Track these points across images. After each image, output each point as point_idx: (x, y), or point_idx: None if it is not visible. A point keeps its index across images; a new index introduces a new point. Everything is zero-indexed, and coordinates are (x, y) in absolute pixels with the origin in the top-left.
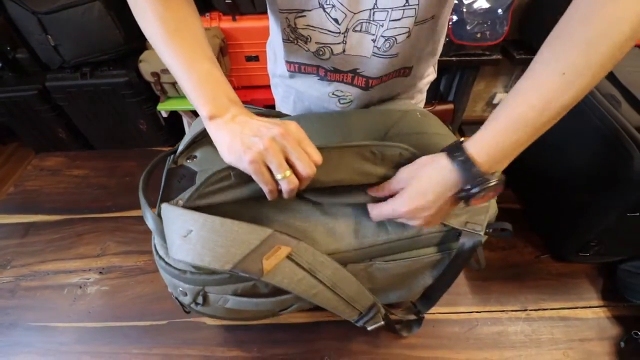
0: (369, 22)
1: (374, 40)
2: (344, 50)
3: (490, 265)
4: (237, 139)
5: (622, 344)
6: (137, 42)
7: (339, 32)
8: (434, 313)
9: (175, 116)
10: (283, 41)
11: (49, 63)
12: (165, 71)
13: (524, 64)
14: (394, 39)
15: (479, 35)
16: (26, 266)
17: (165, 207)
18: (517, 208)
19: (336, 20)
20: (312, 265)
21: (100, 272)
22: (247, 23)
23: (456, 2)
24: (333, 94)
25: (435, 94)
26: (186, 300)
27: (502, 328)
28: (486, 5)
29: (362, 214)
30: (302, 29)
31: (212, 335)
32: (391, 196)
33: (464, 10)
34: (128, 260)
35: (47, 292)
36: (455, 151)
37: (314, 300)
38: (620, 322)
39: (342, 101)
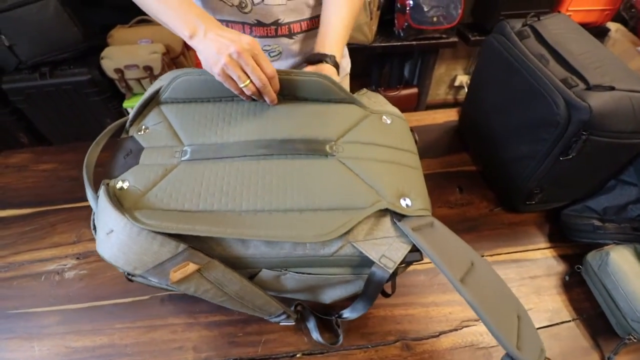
0: None
1: None
2: (262, 0)
3: (450, 220)
4: (209, 56)
5: (567, 278)
6: (98, 38)
7: None
8: None
9: None
10: None
11: (4, 65)
12: (129, 67)
13: (479, 45)
14: None
15: (435, 19)
16: None
17: (102, 193)
18: (474, 169)
19: None
20: (219, 280)
21: (77, 258)
22: None
23: None
24: (262, 49)
25: (400, 80)
26: (121, 271)
27: None
28: None
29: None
30: None
31: (195, 303)
32: None
33: None
34: None
35: (24, 281)
36: (332, 60)
37: (222, 304)
38: (565, 260)
39: (271, 54)
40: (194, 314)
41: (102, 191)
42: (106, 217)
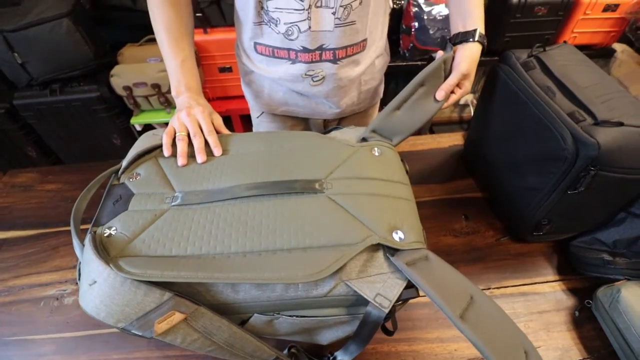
0: None
1: (334, 13)
2: (309, 27)
3: (456, 250)
4: (175, 114)
5: (577, 313)
6: (108, 56)
7: (303, 9)
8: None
9: (149, 129)
10: (255, 25)
11: (16, 81)
12: (137, 85)
13: (483, 65)
14: (350, 6)
15: (440, 40)
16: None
17: (87, 242)
18: (479, 196)
19: None
20: (207, 329)
21: (77, 283)
22: (218, 35)
23: (417, 9)
24: (305, 74)
25: None
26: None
27: None
28: (445, 12)
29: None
30: (273, 11)
31: None
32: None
33: (425, 17)
34: None
35: (23, 306)
36: (481, 38)
37: (209, 354)
38: (574, 294)
39: (315, 79)
40: None
41: (87, 240)
42: (90, 267)
